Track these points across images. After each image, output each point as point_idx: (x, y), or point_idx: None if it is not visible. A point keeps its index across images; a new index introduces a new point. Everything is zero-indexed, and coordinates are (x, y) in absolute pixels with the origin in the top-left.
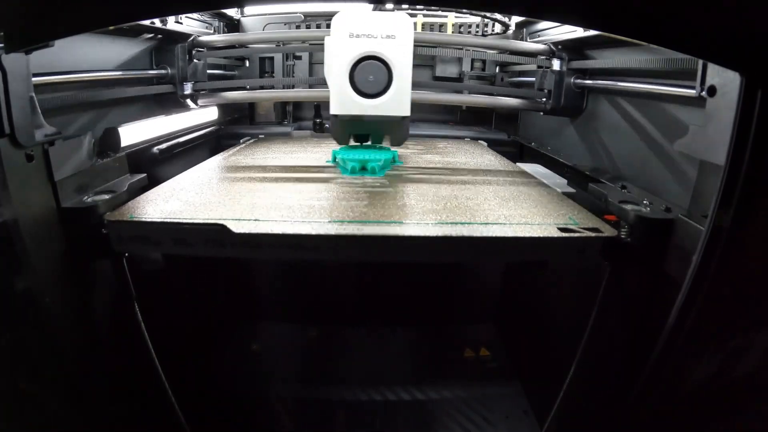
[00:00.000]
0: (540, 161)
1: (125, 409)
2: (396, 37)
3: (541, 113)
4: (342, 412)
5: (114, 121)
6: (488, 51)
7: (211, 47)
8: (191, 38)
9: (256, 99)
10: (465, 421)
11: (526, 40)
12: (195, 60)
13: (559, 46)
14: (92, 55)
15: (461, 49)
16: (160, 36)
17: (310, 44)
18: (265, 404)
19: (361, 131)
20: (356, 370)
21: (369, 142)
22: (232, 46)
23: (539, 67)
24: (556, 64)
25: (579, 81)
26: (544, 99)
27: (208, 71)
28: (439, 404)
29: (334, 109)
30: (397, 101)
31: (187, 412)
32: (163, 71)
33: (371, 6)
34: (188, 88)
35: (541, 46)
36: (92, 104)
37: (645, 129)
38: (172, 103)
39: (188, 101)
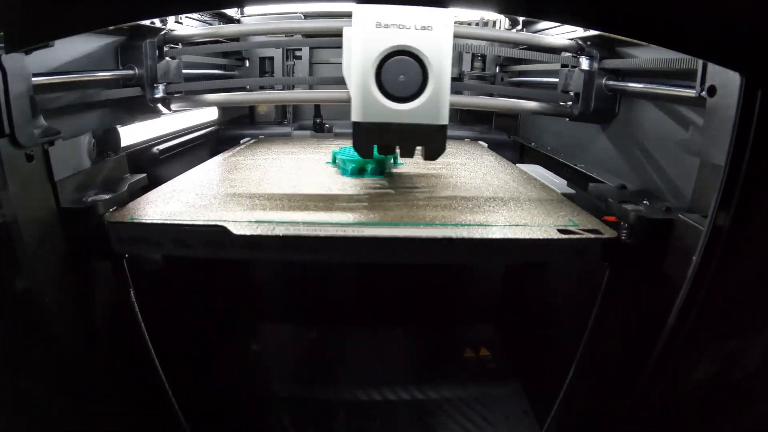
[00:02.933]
0: (540, 162)
1: (125, 409)
2: (433, 28)
3: (567, 119)
4: (342, 412)
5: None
6: (499, 47)
7: (186, 42)
8: (162, 33)
9: (240, 102)
10: (465, 421)
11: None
12: (167, 58)
13: (588, 42)
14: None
15: (481, 42)
16: (127, 32)
17: (305, 36)
18: (265, 404)
19: (389, 142)
20: (356, 370)
21: (397, 153)
22: (217, 41)
23: (564, 65)
24: (584, 63)
25: (612, 83)
26: (569, 103)
27: (205, 71)
28: (439, 404)
29: (357, 116)
30: (433, 106)
31: (187, 412)
32: (129, 72)
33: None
34: (160, 91)
35: (567, 42)
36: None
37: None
38: (142, 108)
39: (159, 106)
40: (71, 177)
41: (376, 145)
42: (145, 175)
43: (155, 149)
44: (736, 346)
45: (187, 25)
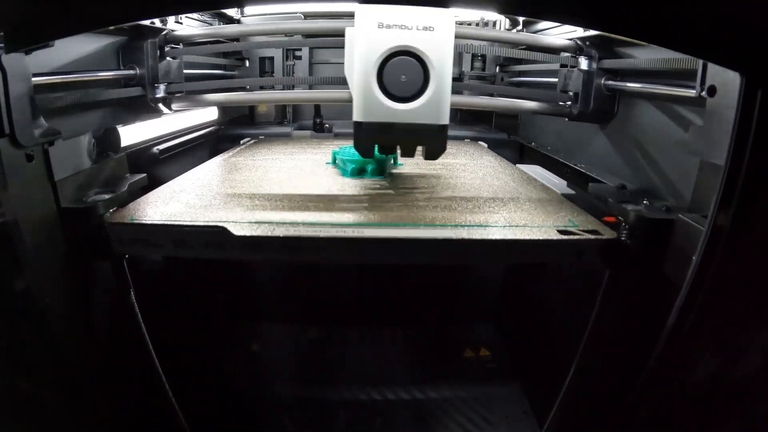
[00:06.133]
0: (540, 162)
1: (125, 409)
2: (435, 29)
3: (566, 119)
4: (342, 412)
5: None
6: (499, 47)
7: (187, 42)
8: (164, 33)
9: (241, 102)
10: (465, 421)
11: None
12: (168, 58)
13: (587, 42)
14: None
15: (481, 42)
16: (129, 32)
17: (304, 37)
18: (265, 404)
19: (390, 142)
20: (356, 370)
21: (397, 153)
22: (217, 42)
23: (563, 65)
24: (583, 63)
25: (611, 83)
26: (569, 103)
27: (205, 71)
28: (439, 404)
29: (358, 116)
30: (434, 107)
31: (187, 412)
32: (131, 72)
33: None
34: (161, 91)
35: (566, 42)
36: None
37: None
38: (143, 107)
39: (160, 105)
40: (71, 177)
41: (378, 144)
42: (145, 175)
43: (155, 149)
44: (736, 346)
45: (188, 25)
